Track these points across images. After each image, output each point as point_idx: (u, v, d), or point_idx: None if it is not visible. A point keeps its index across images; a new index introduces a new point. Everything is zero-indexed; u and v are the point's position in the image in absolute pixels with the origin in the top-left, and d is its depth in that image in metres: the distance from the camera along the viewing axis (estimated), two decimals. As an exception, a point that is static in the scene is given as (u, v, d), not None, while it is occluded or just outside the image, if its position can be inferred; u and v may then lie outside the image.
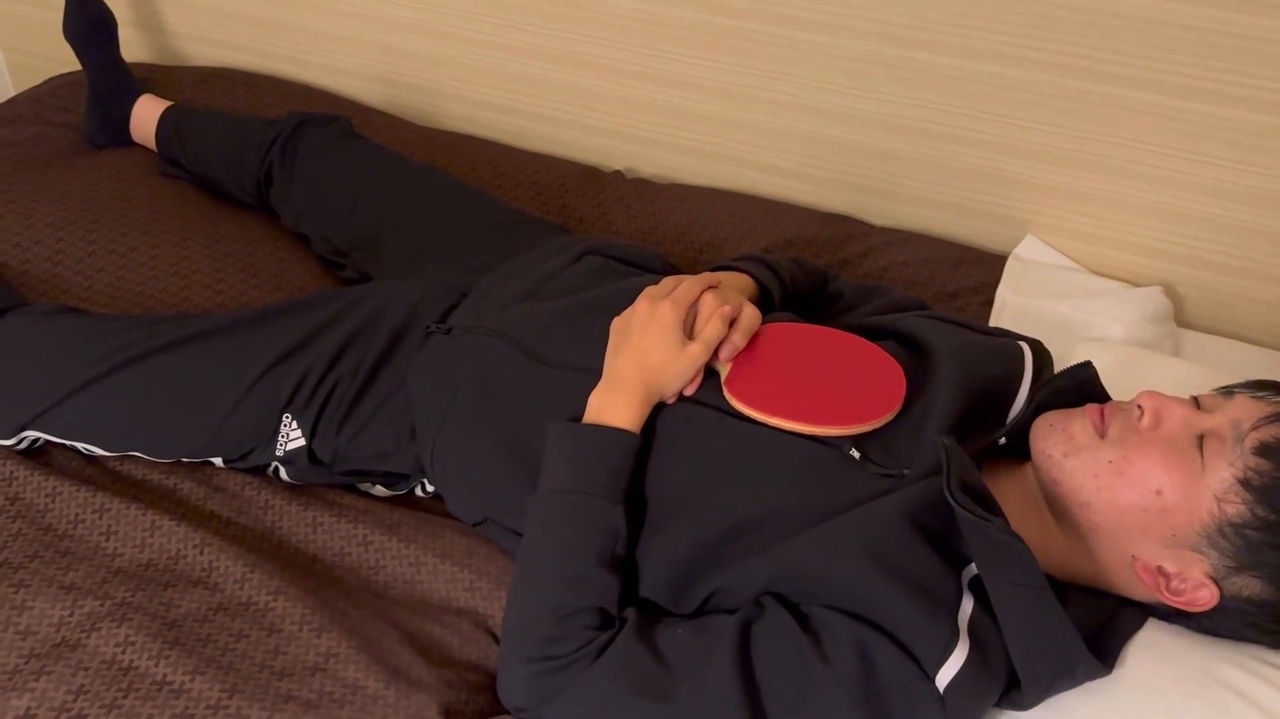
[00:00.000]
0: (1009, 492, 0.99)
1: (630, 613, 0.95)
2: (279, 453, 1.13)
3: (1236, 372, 1.38)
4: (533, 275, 1.21)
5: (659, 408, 1.02)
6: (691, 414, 1.02)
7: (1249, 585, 0.87)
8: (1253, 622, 0.88)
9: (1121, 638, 0.91)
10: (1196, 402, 0.95)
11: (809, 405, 1.01)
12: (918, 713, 0.84)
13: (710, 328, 1.02)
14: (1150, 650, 0.90)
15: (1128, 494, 0.90)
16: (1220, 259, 1.49)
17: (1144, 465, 0.90)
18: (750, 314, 1.06)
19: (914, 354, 1.10)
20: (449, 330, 1.17)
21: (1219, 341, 1.47)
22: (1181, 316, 1.52)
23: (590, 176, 1.66)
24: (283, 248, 1.46)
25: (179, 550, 1.02)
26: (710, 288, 1.07)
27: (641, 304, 1.03)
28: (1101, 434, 0.93)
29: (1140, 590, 0.93)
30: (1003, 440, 0.99)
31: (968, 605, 0.88)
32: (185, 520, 1.05)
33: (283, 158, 1.49)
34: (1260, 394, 0.92)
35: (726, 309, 1.03)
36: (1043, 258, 1.53)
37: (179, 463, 1.15)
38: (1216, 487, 0.87)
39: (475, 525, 1.11)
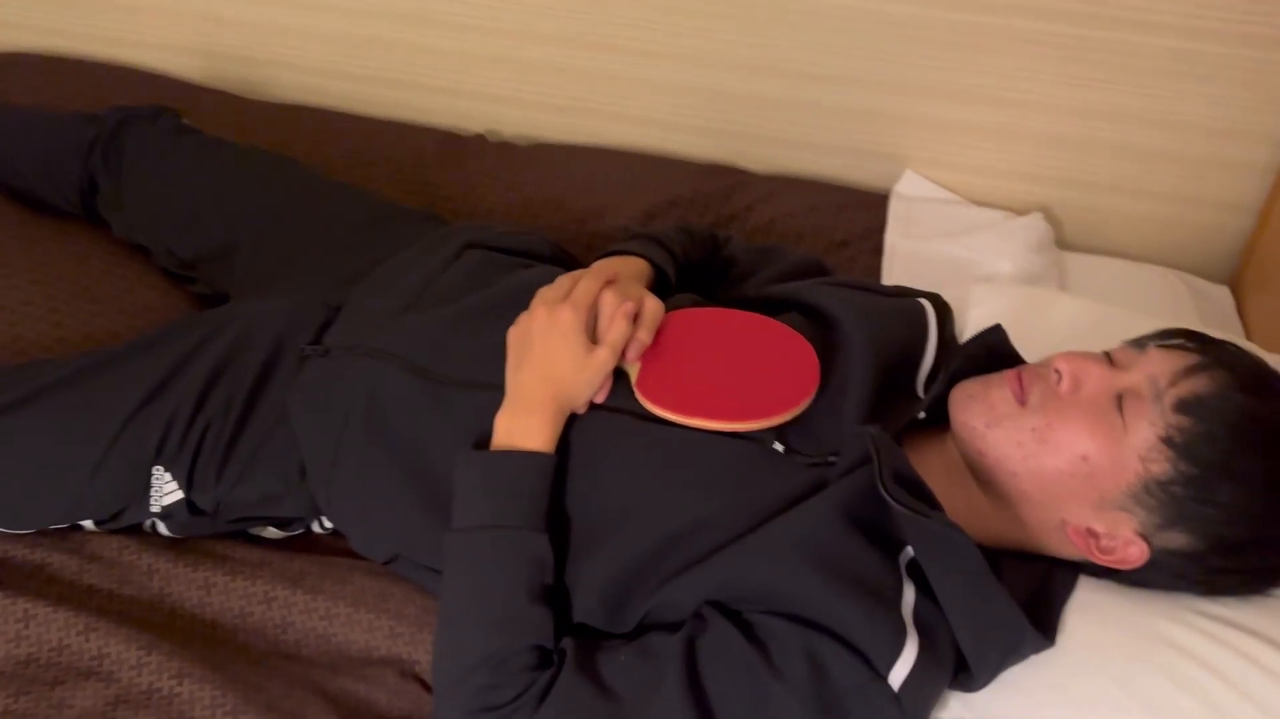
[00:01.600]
0: (931, 464, 0.98)
1: (568, 644, 0.90)
2: (154, 509, 1.03)
3: (1122, 294, 1.41)
4: (411, 280, 1.12)
5: (570, 419, 0.96)
6: (605, 423, 0.96)
7: (1176, 539, 0.88)
8: (1182, 573, 0.89)
9: (1059, 602, 0.92)
10: (1109, 357, 0.94)
11: (725, 400, 0.97)
12: (875, 714, 0.83)
13: (614, 329, 0.96)
14: (1088, 613, 0.91)
15: (1054, 461, 0.89)
16: (1093, 179, 1.50)
17: (1068, 432, 0.89)
18: (653, 307, 1.00)
19: (820, 326, 1.07)
20: (326, 352, 1.07)
21: (1099, 261, 1.49)
22: (1061, 239, 1.54)
23: (449, 144, 1.56)
24: (120, 263, 1.32)
25: (61, 639, 0.91)
26: (609, 283, 1.00)
27: (539, 311, 0.96)
28: (1022, 402, 0.92)
29: (1070, 550, 0.93)
30: (921, 414, 0.97)
31: (909, 595, 0.87)
32: (62, 602, 0.95)
33: (106, 162, 1.33)
34: (1170, 344, 0.93)
35: (629, 305, 0.97)
36: (922, 193, 1.52)
37: (43, 532, 1.04)
38: (1140, 447, 0.87)
39: (385, 564, 1.04)
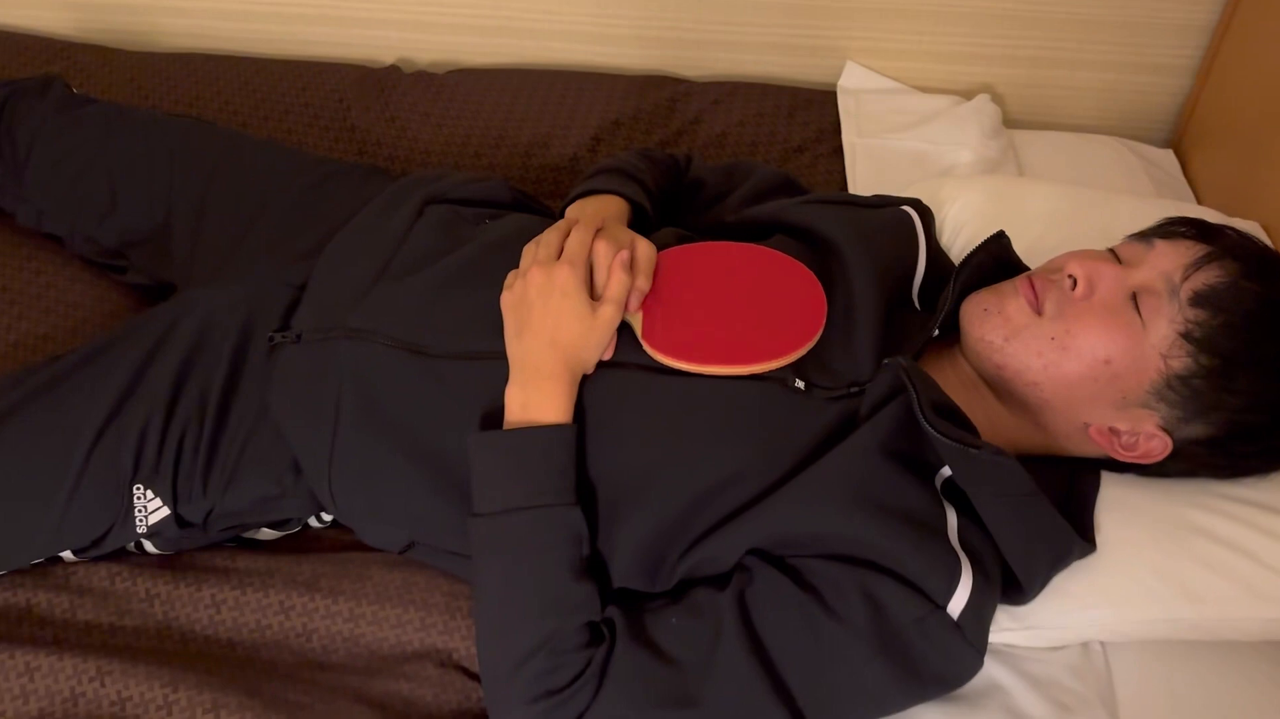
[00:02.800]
0: (946, 379, 0.97)
1: (615, 615, 0.87)
2: (141, 530, 0.96)
3: (1074, 168, 1.41)
4: (375, 247, 1.04)
5: (581, 382, 0.92)
6: (618, 382, 0.92)
7: (1198, 429, 0.89)
8: (1204, 461, 0.91)
9: (1090, 504, 0.93)
10: (1115, 255, 0.94)
11: (736, 341, 0.93)
12: (937, 645, 0.83)
13: (615, 282, 0.91)
14: (1115, 509, 0.92)
15: (1075, 367, 0.89)
16: (1035, 53, 1.48)
17: (1088, 337, 0.89)
18: (646, 251, 0.95)
19: (812, 248, 1.04)
20: (298, 337, 1.00)
21: (1047, 136, 1.49)
22: (1007, 118, 1.52)
23: (365, 80, 1.44)
24: (33, 257, 1.20)
25: (73, 689, 0.85)
26: (599, 231, 0.95)
27: (534, 273, 0.91)
28: (1038, 310, 0.91)
29: (1091, 450, 0.94)
30: (936, 332, 0.96)
31: (952, 519, 0.87)
32: (64, 647, 0.87)
33: (-2, 147, 1.20)
34: (1175, 234, 0.92)
35: (624, 254, 0.92)
36: (867, 84, 1.48)
37: (18, 570, 0.96)
38: (1160, 344, 0.87)
39: (401, 553, 0.99)
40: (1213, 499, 0.92)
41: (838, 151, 1.36)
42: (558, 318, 0.89)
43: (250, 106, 1.38)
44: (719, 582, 0.89)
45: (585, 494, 0.90)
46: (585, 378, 0.92)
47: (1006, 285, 0.94)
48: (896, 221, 1.07)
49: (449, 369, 0.95)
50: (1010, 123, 1.52)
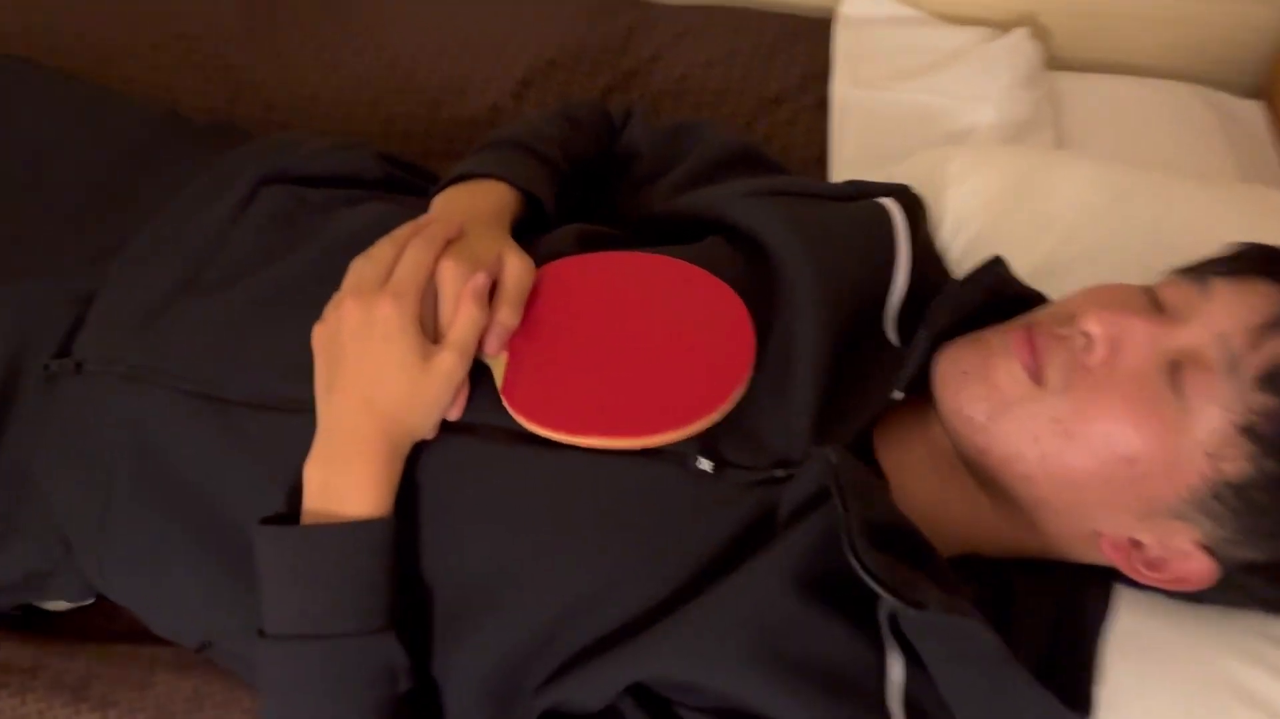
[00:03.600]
0: (912, 453, 0.72)
1: None
2: None
3: (1130, 122, 1.11)
4: (189, 244, 0.81)
5: (416, 451, 0.69)
6: (464, 451, 0.69)
7: (1255, 553, 0.64)
8: (1260, 595, 0.66)
9: (1092, 640, 0.69)
10: (1155, 299, 0.67)
11: (627, 402, 0.69)
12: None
13: (461, 320, 0.67)
14: (1129, 650, 0.68)
15: (1084, 462, 0.64)
16: (1090, -26, 1.17)
17: (1104, 423, 0.63)
18: (517, 272, 0.71)
19: (753, 258, 0.78)
20: (79, 366, 0.77)
21: (1098, 82, 1.18)
22: (1050, 56, 1.22)
23: (252, 7, 1.18)
24: None
25: None
26: (450, 244, 0.71)
27: (349, 308, 0.67)
28: (1037, 378, 0.66)
29: (1103, 561, 0.70)
30: (899, 395, 0.71)
31: (896, 673, 0.63)
32: None
33: None
34: (1245, 273, 0.65)
35: (480, 279, 0.68)
36: (876, 10, 1.18)
37: None
38: (1208, 440, 0.62)
39: (198, 651, 0.78)
40: (1267, 645, 0.67)
41: (823, 105, 1.08)
42: (376, 370, 0.66)
43: (112, 40, 1.14)
44: (585, 726, 0.67)
45: (415, 602, 0.68)
46: (425, 444, 0.69)
47: (995, 338, 0.68)
48: (868, 221, 0.81)
49: (254, 422, 0.72)
50: (1055, 63, 1.22)
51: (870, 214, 0.81)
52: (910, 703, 0.62)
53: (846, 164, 1.03)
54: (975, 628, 0.58)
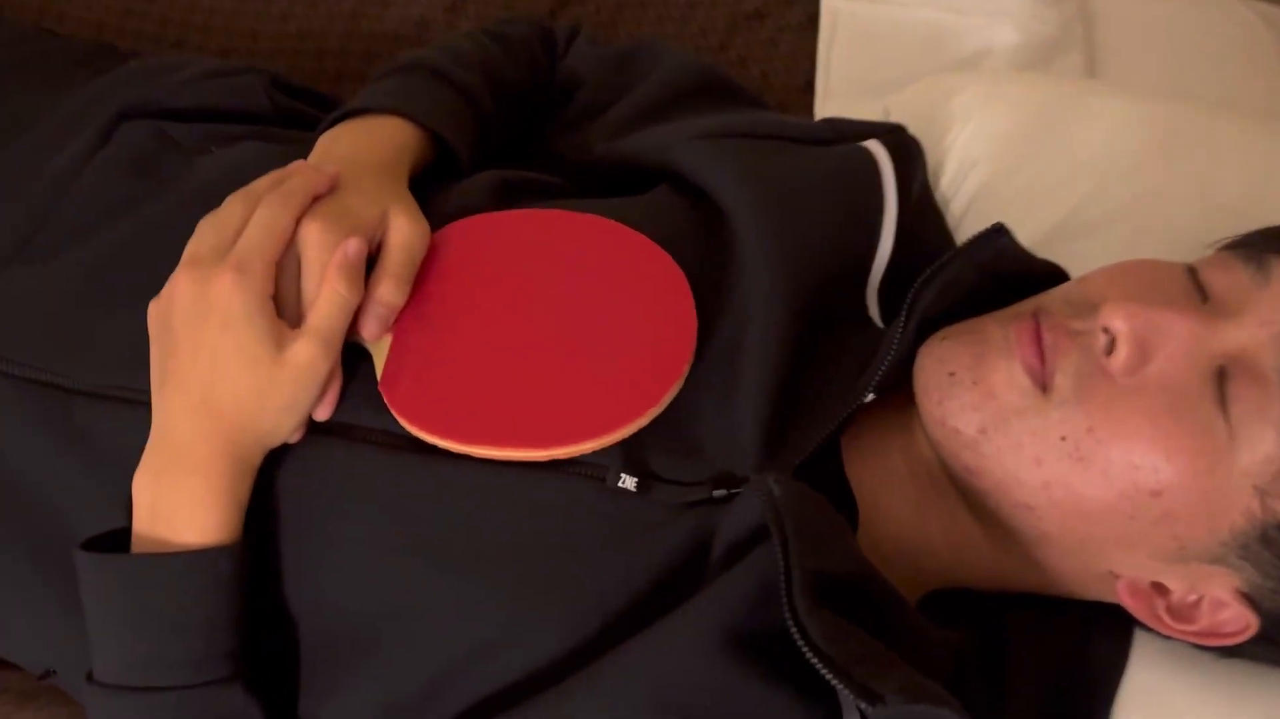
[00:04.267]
0: (888, 465, 0.59)
1: None
2: None
3: (1174, 44, 0.95)
4: (24, 199, 0.67)
5: (277, 455, 0.56)
6: (335, 461, 0.56)
7: (1307, 607, 0.51)
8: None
9: (1102, 703, 0.56)
10: (1197, 282, 0.53)
11: (535, 402, 0.56)
12: None
13: (324, 301, 0.54)
14: (1145, 710, 0.55)
15: (1099, 492, 0.51)
16: None
17: (1126, 447, 0.50)
18: (404, 236, 0.57)
19: (704, 218, 0.64)
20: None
21: (1146, 6, 1.01)
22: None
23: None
24: None
25: None
26: (315, 201, 0.57)
27: (182, 283, 0.54)
28: (1043, 386, 0.52)
29: (1117, 599, 0.57)
30: (870, 397, 0.57)
31: None
32: None
33: None
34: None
35: (351, 247, 0.54)
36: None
37: None
38: (1258, 470, 0.49)
39: (41, 678, 0.66)
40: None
41: (812, 22, 0.92)
42: (214, 363, 0.53)
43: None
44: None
45: (276, 644, 0.56)
46: (288, 449, 0.56)
47: (994, 329, 0.54)
48: (848, 172, 0.66)
49: (92, 414, 0.59)
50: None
51: (851, 162, 0.67)
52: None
53: (836, 94, 0.87)
54: (948, 717, 0.45)
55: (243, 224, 0.55)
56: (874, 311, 0.65)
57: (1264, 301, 0.50)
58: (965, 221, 0.73)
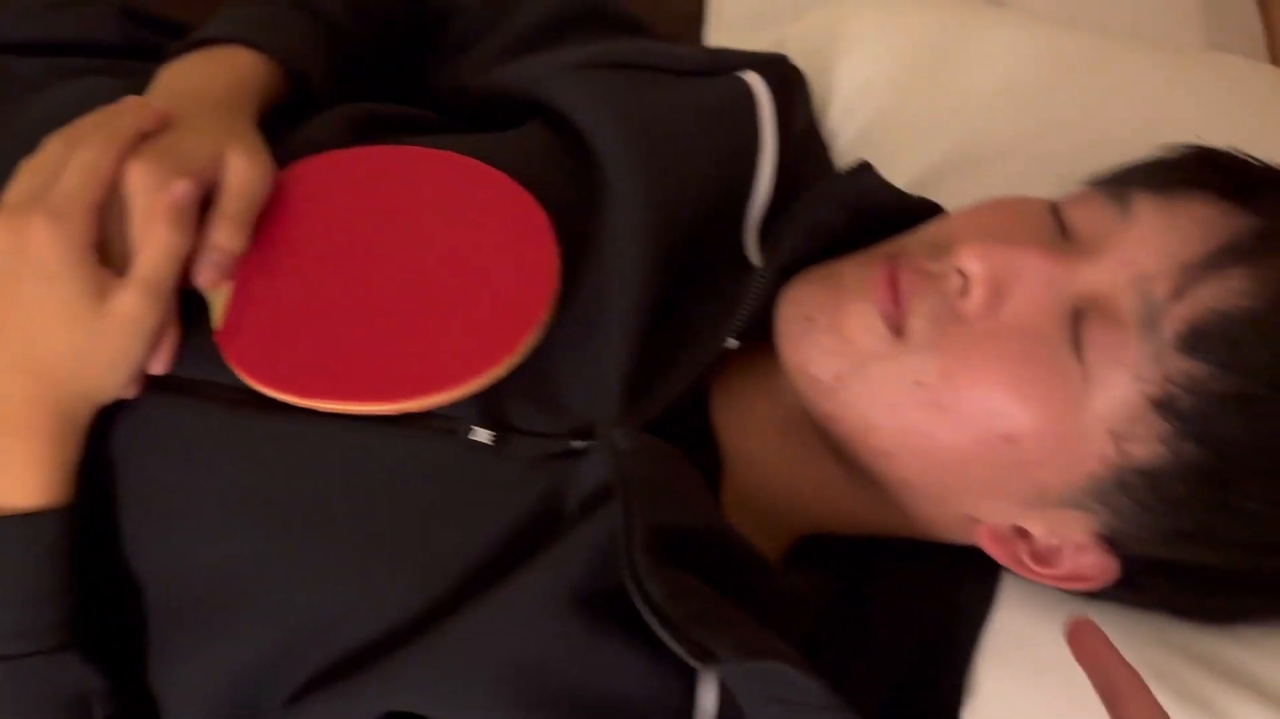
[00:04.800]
0: (753, 412, 0.57)
1: None
2: None
3: None
4: None
5: (110, 412, 0.53)
6: (173, 418, 0.53)
7: (1165, 552, 0.50)
8: (1173, 602, 0.53)
9: (965, 650, 0.55)
10: (1059, 220, 0.51)
11: (383, 352, 0.54)
12: None
13: (150, 247, 0.50)
14: (1012, 661, 0.54)
15: (955, 439, 0.50)
16: None
17: (980, 393, 0.48)
18: (242, 177, 0.53)
19: (573, 154, 0.61)
20: None
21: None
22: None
23: None
24: None
25: None
26: (144, 140, 0.53)
27: None
28: (898, 328, 0.50)
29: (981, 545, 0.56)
30: (733, 343, 0.55)
31: (708, 700, 0.50)
32: None
33: None
34: (1180, 192, 0.49)
35: (180, 190, 0.51)
36: None
37: None
38: (1113, 415, 0.47)
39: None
40: (1173, 658, 0.54)
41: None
42: (31, 317, 0.50)
43: None
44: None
45: (117, 608, 0.54)
46: (121, 406, 0.53)
47: (851, 272, 0.52)
48: (726, 106, 0.63)
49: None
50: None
51: (727, 96, 0.64)
52: (724, 738, 0.49)
53: (728, 24, 0.84)
54: (785, 672, 0.44)
55: (63, 167, 0.51)
56: (753, 253, 0.62)
57: (1125, 240, 0.48)
58: (854, 156, 0.70)
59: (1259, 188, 0.49)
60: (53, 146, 0.52)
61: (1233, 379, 0.45)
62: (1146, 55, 0.75)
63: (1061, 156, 0.66)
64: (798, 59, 0.69)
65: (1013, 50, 0.73)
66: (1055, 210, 0.51)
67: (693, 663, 0.43)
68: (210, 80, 0.59)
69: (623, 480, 0.47)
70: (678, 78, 0.65)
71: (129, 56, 0.70)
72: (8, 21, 0.68)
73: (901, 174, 0.64)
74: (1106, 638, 0.42)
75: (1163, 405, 0.46)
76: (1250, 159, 0.52)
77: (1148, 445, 0.47)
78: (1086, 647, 0.41)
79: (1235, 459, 0.46)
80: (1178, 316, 0.46)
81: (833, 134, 0.72)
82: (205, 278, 0.52)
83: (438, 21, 0.74)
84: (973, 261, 0.48)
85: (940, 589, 0.56)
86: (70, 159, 0.51)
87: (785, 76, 0.66)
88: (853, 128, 0.71)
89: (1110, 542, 0.51)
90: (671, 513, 0.47)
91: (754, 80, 0.64)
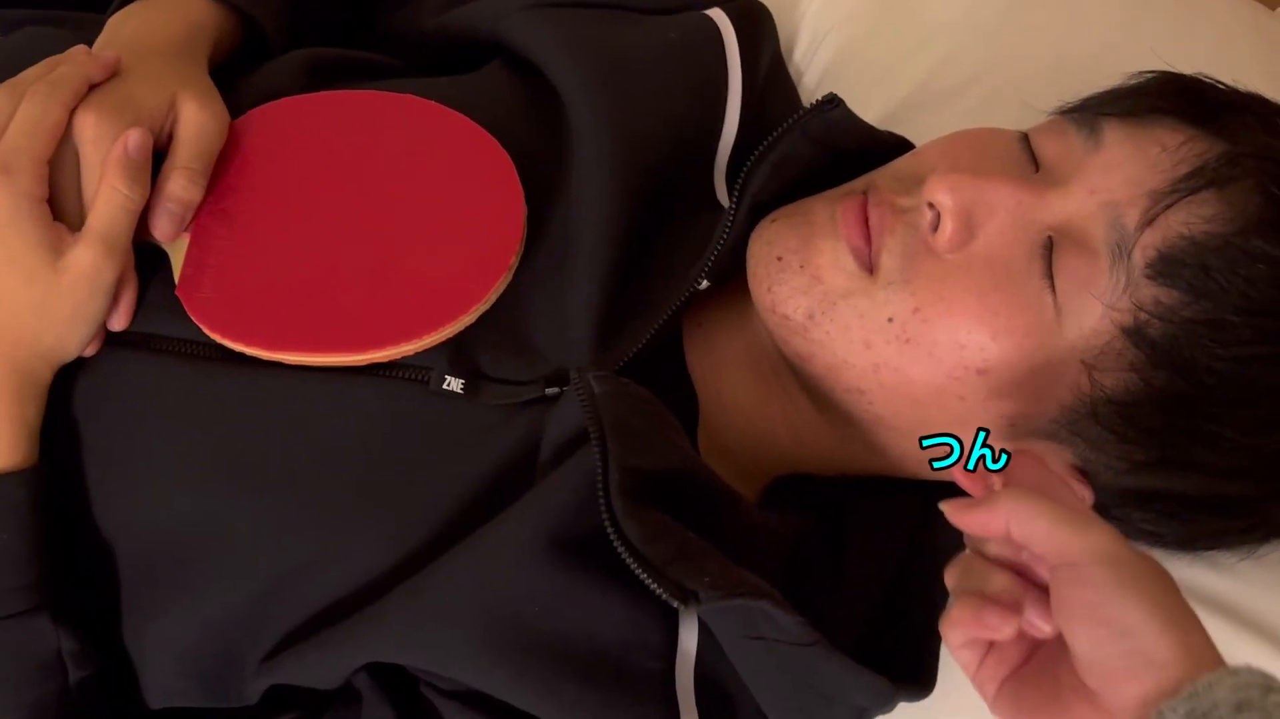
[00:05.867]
0: (728, 352, 0.57)
1: None
2: None
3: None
4: None
5: (71, 372, 0.52)
6: (136, 374, 0.52)
7: (1139, 481, 0.50)
8: (1145, 529, 0.53)
9: (940, 582, 0.56)
10: (1030, 151, 0.51)
11: (348, 302, 0.53)
12: None
13: (102, 200, 0.49)
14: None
15: (927, 374, 0.49)
16: None
17: (951, 326, 0.48)
18: (196, 125, 0.52)
19: (536, 95, 0.60)
20: None
21: None
22: None
23: None
24: None
25: None
26: (93, 90, 0.51)
27: None
28: (869, 266, 0.50)
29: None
30: (704, 284, 0.54)
31: (688, 643, 0.50)
32: None
33: None
34: (1148, 119, 0.49)
35: (133, 139, 0.49)
36: None
37: None
38: (1085, 344, 0.47)
39: None
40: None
41: None
42: (-14, 271, 0.48)
43: None
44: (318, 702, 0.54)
45: (90, 568, 0.53)
46: (82, 363, 0.52)
47: (821, 209, 0.52)
48: (690, 44, 0.62)
49: None
50: None
51: (692, 33, 0.62)
52: (703, 681, 0.49)
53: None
54: (764, 608, 0.44)
55: (8, 120, 0.49)
56: (721, 193, 0.62)
57: (1094, 168, 0.48)
58: (819, 92, 0.68)
59: (1225, 112, 0.49)
60: (-3, 99, 0.50)
61: (1203, 305, 0.45)
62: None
63: (1024, 85, 0.66)
64: (761, -4, 0.68)
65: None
66: (1025, 141, 0.51)
67: (673, 603, 0.43)
68: (160, 27, 0.57)
69: (597, 423, 0.46)
70: (642, 15, 0.64)
71: (70, 7, 0.68)
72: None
73: (868, 110, 0.64)
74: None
75: (1134, 333, 0.46)
76: (1216, 83, 0.51)
77: (1120, 374, 0.47)
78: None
79: (1207, 385, 0.46)
80: (1148, 244, 0.46)
81: (798, 71, 0.71)
82: (162, 230, 0.51)
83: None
84: (943, 194, 0.47)
85: (913, 524, 0.56)
86: (16, 111, 0.49)
87: (750, 13, 0.65)
88: (818, 66, 0.70)
89: (1084, 472, 0.51)
90: (647, 455, 0.47)
91: (719, 17, 0.63)
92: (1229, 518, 0.50)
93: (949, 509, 0.42)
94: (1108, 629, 0.38)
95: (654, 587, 0.44)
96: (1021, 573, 0.42)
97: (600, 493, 0.45)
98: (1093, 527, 0.40)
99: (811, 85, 0.70)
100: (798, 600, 0.46)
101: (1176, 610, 0.38)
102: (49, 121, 0.49)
